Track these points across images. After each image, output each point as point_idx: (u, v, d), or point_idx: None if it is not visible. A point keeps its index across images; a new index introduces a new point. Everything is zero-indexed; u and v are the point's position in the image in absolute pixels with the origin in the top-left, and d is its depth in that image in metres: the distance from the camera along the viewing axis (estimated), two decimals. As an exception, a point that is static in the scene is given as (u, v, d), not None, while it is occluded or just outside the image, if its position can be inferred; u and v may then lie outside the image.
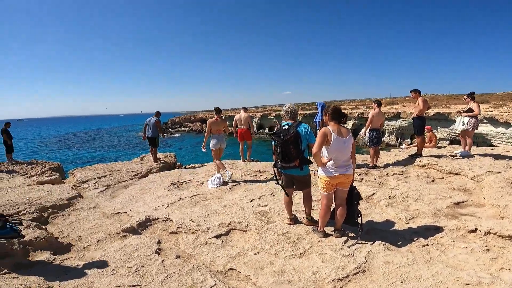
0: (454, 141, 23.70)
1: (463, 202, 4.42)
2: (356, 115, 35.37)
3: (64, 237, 3.89)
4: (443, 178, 5.72)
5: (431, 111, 26.70)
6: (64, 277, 2.85)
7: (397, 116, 32.38)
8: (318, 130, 6.28)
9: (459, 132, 7.16)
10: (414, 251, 3.20)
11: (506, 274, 2.64)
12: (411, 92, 6.99)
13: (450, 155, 6.99)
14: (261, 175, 6.63)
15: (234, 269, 3.04)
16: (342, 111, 3.33)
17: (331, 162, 3.21)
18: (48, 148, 45.18)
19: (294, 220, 3.88)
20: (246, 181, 6.18)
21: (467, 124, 6.74)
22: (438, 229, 3.61)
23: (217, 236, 3.70)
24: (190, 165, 8.67)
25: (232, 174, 6.19)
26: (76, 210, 4.88)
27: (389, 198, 4.68)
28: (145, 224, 4.15)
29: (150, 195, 5.64)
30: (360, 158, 7.53)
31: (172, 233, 3.93)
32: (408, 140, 29.95)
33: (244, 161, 8.11)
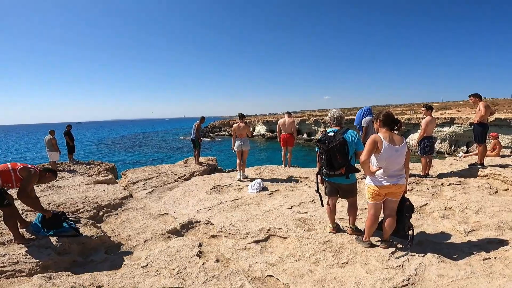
0: (516, 149, 21.25)
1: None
2: (403, 120, 33.43)
3: (115, 235, 4.15)
4: (508, 189, 5.19)
5: (491, 117, 24.28)
6: (113, 276, 3.03)
7: (450, 121, 29.94)
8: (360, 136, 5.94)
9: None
10: (473, 264, 2.92)
11: None
12: (470, 96, 6.36)
13: (516, 165, 6.26)
14: (301, 182, 6.51)
15: (273, 276, 2.99)
16: (395, 117, 3.15)
17: (381, 171, 3.04)
18: (104, 150, 49.32)
19: (337, 229, 3.73)
20: (286, 187, 6.11)
21: None
22: (502, 243, 3.29)
23: (256, 242, 3.69)
24: (230, 169, 8.82)
25: (243, 175, 6.98)
26: (127, 210, 5.20)
27: (445, 209, 4.35)
28: (187, 226, 4.29)
29: (193, 197, 5.83)
30: (410, 167, 7.02)
31: (212, 236, 4.01)
32: (464, 148, 27.43)
33: (285, 167, 8.02)
